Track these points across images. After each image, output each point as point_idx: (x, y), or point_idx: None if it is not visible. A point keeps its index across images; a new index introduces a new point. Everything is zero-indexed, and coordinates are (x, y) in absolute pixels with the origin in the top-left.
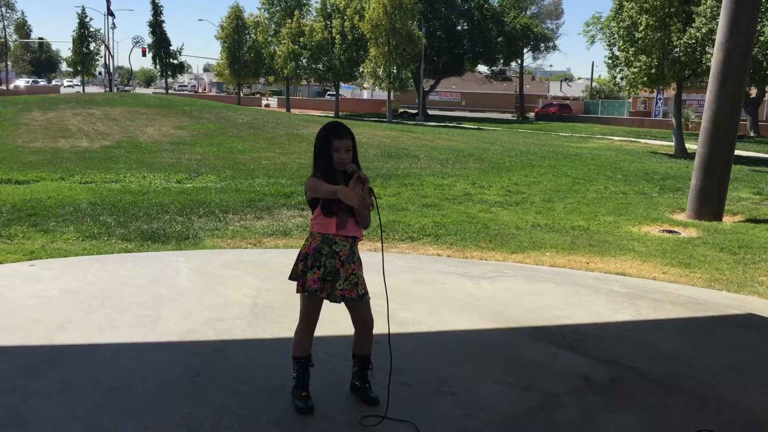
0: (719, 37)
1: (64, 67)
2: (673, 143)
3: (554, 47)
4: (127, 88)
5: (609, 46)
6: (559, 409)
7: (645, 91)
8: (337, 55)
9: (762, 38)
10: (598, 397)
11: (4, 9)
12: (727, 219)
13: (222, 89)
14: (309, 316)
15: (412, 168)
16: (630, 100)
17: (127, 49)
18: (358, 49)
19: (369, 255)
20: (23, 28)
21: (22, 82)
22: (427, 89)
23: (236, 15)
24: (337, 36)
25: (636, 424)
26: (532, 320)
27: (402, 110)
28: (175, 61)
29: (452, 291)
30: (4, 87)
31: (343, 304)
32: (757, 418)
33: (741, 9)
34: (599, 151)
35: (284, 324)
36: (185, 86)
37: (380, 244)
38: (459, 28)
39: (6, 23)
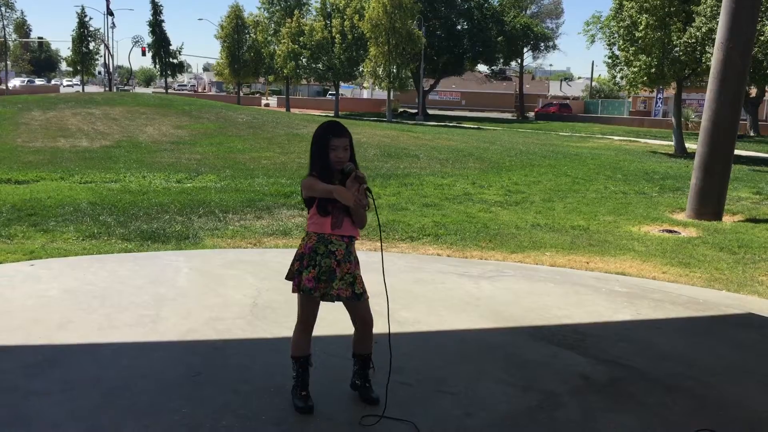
0: (719, 36)
1: (63, 66)
2: (672, 143)
3: (554, 47)
4: (126, 87)
5: (609, 45)
6: (559, 409)
7: (645, 90)
8: (336, 55)
9: (762, 38)
10: (598, 397)
11: (3, 8)
12: (727, 219)
13: (222, 89)
14: (306, 315)
15: (412, 168)
16: (630, 99)
17: (126, 49)
18: (357, 49)
19: (369, 255)
20: (23, 28)
21: (17, 82)
22: (426, 89)
23: (236, 14)
24: (337, 35)
25: (636, 423)
26: (532, 320)
27: (402, 110)
28: (175, 61)
29: (452, 291)
30: (3, 86)
31: (343, 304)
32: (757, 418)
33: (741, 8)
34: (599, 150)
35: (284, 324)
36: (185, 86)
37: (380, 244)
38: (459, 27)
39: (5, 23)
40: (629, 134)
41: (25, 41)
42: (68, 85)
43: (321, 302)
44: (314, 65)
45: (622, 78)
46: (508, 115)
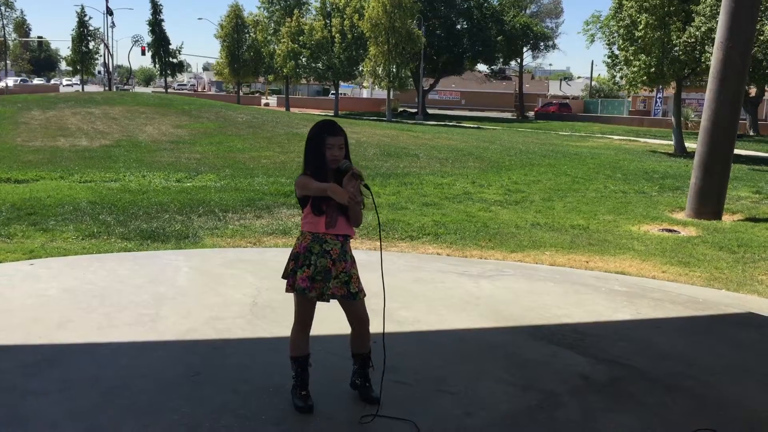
0: (719, 36)
1: (63, 66)
2: (672, 142)
3: (554, 46)
4: (126, 87)
5: (608, 45)
6: (559, 409)
7: (644, 90)
8: (336, 54)
9: (762, 37)
10: (598, 397)
11: (3, 8)
12: (727, 218)
13: (221, 88)
14: (303, 315)
15: (412, 167)
16: (629, 99)
17: (126, 48)
18: (357, 48)
19: (368, 254)
20: (22, 27)
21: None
22: (426, 88)
23: (236, 14)
24: (337, 35)
25: (636, 423)
26: (532, 319)
27: (401, 109)
28: (175, 60)
29: (452, 290)
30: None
31: (338, 302)
32: (757, 418)
33: (740, 8)
34: (599, 150)
35: (284, 323)
36: (184, 85)
37: (379, 243)
38: (458, 27)
39: (5, 22)
40: (629, 134)
41: (24, 40)
42: (68, 85)
43: (318, 302)
44: (314, 65)
45: (621, 77)
46: (507, 115)
